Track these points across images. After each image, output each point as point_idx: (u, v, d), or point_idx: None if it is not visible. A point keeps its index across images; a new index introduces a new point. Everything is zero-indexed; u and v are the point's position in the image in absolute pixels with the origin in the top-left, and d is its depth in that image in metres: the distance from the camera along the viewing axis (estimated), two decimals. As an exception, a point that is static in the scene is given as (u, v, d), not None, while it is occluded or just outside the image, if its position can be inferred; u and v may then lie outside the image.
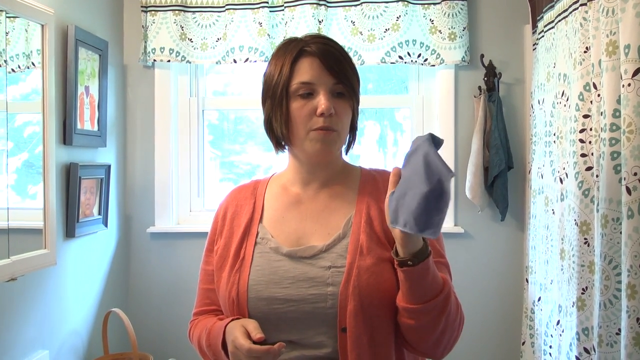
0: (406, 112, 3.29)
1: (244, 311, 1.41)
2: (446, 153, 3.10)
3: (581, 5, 2.14)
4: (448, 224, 3.11)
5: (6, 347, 2.20)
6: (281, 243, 1.46)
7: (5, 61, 2.10)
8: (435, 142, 1.26)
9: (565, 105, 2.35)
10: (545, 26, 2.64)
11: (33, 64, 2.28)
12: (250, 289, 1.41)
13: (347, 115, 1.47)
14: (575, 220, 2.16)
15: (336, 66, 1.43)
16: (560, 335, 2.35)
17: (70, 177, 2.59)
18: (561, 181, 2.36)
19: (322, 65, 1.43)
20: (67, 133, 2.56)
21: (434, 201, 1.17)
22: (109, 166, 2.94)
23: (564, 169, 2.34)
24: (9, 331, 2.22)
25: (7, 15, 2.08)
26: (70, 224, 2.60)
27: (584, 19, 2.13)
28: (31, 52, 2.27)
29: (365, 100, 3.32)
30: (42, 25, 2.28)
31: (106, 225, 2.94)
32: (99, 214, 2.88)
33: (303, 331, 1.39)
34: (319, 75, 1.43)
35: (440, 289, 1.30)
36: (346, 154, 1.58)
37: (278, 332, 1.39)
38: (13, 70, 2.17)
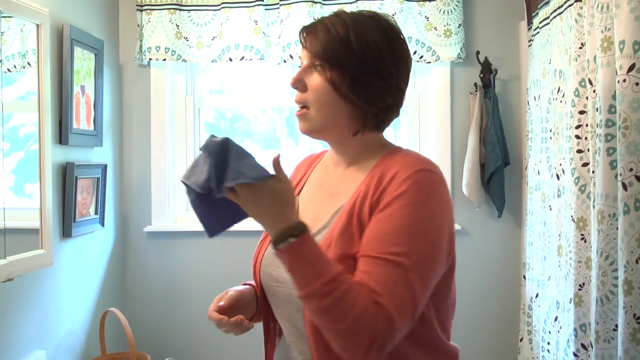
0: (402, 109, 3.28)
1: (257, 281, 1.47)
2: (443, 150, 3.11)
3: (576, 1, 2.14)
4: (445, 221, 3.10)
5: (3, 347, 2.20)
6: None
7: (0, 61, 2.09)
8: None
9: (561, 102, 2.36)
10: (540, 22, 2.64)
11: (29, 63, 2.28)
12: (263, 261, 1.44)
13: (320, 89, 1.37)
14: (571, 216, 2.16)
15: (309, 39, 1.38)
16: (558, 331, 2.35)
17: (66, 176, 2.58)
18: (558, 177, 2.36)
19: (301, 41, 1.41)
20: (63, 133, 2.55)
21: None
22: (106, 165, 2.94)
23: (560, 165, 2.34)
24: (5, 332, 2.22)
25: (2, 15, 2.07)
26: (67, 224, 2.60)
27: (579, 15, 2.13)
28: (27, 51, 2.26)
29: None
30: (38, 25, 2.28)
31: (103, 225, 2.94)
32: (96, 213, 2.87)
33: (290, 313, 1.38)
34: (301, 51, 1.41)
35: (313, 279, 1.18)
36: (378, 130, 1.45)
37: (275, 309, 1.44)
38: (9, 70, 2.17)
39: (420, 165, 1.30)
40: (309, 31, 1.39)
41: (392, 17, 1.46)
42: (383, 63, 1.35)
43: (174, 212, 3.28)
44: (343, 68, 1.34)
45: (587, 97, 2.08)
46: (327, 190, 1.46)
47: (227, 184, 1.18)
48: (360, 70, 1.34)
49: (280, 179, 1.23)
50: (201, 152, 1.23)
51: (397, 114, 1.45)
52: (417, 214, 1.24)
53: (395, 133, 3.35)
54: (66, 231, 2.60)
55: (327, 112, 1.38)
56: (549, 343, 2.49)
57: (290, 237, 1.19)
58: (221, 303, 1.39)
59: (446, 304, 1.41)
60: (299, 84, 1.40)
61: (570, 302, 2.18)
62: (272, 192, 1.22)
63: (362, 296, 1.17)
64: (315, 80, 1.37)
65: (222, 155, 1.20)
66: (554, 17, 2.44)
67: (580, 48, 2.13)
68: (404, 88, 1.41)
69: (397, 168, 1.30)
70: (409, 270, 1.20)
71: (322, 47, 1.35)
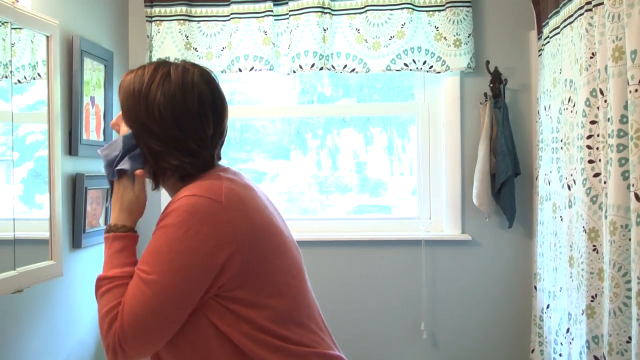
0: (412, 119, 3.29)
1: None
2: (453, 160, 3.10)
3: (587, 10, 2.14)
4: (455, 232, 3.10)
5: (13, 358, 2.20)
6: None
7: (11, 72, 2.10)
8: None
9: (571, 112, 2.34)
10: (550, 32, 2.63)
11: (39, 74, 2.28)
12: None
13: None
14: (583, 227, 2.15)
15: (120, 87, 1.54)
16: (570, 343, 2.33)
17: (76, 187, 2.59)
18: (569, 188, 2.34)
19: None
20: (72, 144, 2.56)
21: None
22: (115, 176, 2.94)
23: (571, 175, 2.32)
24: (16, 343, 2.21)
25: (13, 26, 2.08)
26: (77, 235, 2.60)
27: (590, 24, 2.12)
28: (37, 63, 2.27)
29: (371, 108, 3.34)
30: (47, 37, 2.28)
31: (112, 236, 2.93)
32: (106, 224, 2.87)
33: None
34: None
35: (103, 269, 1.43)
36: (182, 182, 1.49)
37: None
38: (19, 81, 2.18)
39: (193, 192, 1.37)
40: (122, 78, 1.52)
41: (203, 70, 1.52)
42: (165, 128, 1.44)
43: (184, 222, 3.26)
44: (131, 123, 1.48)
45: (598, 107, 2.07)
46: None
47: (108, 170, 1.52)
48: (143, 132, 1.46)
49: (133, 188, 1.50)
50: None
51: (199, 168, 1.49)
52: (165, 236, 1.35)
53: (403, 143, 3.35)
54: (76, 242, 2.60)
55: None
56: (560, 355, 2.47)
57: (110, 232, 1.47)
58: None
59: (267, 312, 1.41)
60: (116, 127, 1.54)
61: (582, 314, 2.16)
62: (122, 193, 1.50)
63: (113, 301, 1.35)
64: (124, 128, 1.50)
65: (122, 148, 1.48)
66: (564, 26, 2.43)
67: (591, 58, 2.12)
68: (195, 149, 1.47)
69: (178, 196, 1.39)
70: (149, 286, 1.32)
71: (121, 100, 1.50)
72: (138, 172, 1.48)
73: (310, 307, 1.53)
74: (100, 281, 1.40)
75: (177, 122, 1.43)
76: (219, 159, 1.56)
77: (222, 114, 1.52)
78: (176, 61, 1.52)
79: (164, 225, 1.36)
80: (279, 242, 1.47)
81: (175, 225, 1.34)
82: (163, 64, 1.49)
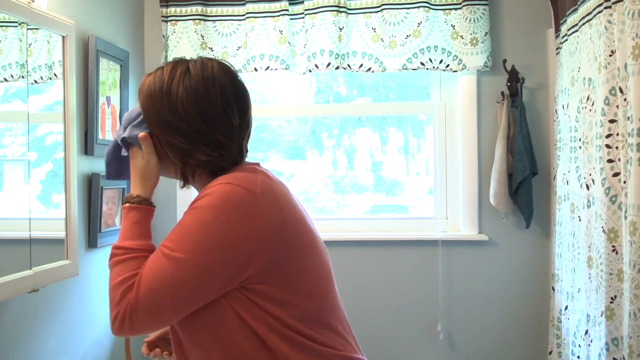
0: (429, 118, 3.27)
1: None
2: (470, 159, 3.07)
3: (606, 8, 2.11)
4: (472, 232, 3.07)
5: (29, 358, 2.21)
6: None
7: (27, 72, 2.11)
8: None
9: (590, 110, 2.31)
10: (568, 30, 2.60)
11: (55, 75, 2.29)
12: None
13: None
14: (602, 227, 2.12)
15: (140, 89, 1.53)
16: (589, 345, 2.30)
17: (92, 187, 2.59)
18: (587, 187, 2.32)
19: None
20: (88, 143, 2.56)
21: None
22: (131, 176, 2.94)
23: (590, 175, 2.29)
24: (31, 342, 2.22)
25: (29, 27, 2.09)
26: (93, 235, 2.61)
27: (609, 22, 2.09)
28: (53, 63, 2.28)
29: (387, 107, 3.33)
30: (63, 37, 2.29)
31: (128, 235, 2.94)
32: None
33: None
34: None
35: (118, 240, 1.43)
36: (213, 175, 1.45)
37: None
38: (35, 81, 2.18)
39: (229, 180, 1.36)
40: (142, 82, 1.50)
41: (222, 63, 1.51)
42: (191, 124, 1.42)
43: (199, 222, 3.26)
44: (154, 126, 1.46)
45: (617, 106, 2.04)
46: None
47: (118, 139, 1.52)
48: (168, 132, 1.44)
49: (142, 156, 1.47)
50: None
51: (230, 161, 1.48)
52: (196, 217, 1.33)
53: (418, 143, 3.33)
54: (92, 241, 2.61)
55: (166, 161, 1.51)
56: (579, 357, 2.44)
57: (127, 202, 1.46)
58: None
59: (294, 311, 1.39)
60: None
61: (601, 316, 2.13)
62: (134, 163, 1.48)
63: (129, 272, 1.35)
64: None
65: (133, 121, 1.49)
66: (583, 24, 2.40)
67: (611, 55, 2.09)
68: (224, 141, 1.45)
69: (214, 183, 1.37)
70: (171, 263, 1.31)
71: (141, 104, 1.47)
72: (140, 135, 1.46)
73: (337, 309, 1.51)
74: (116, 249, 1.41)
75: (203, 115, 1.41)
76: (247, 151, 1.54)
77: (246, 104, 1.50)
78: (193, 58, 1.52)
79: (196, 207, 1.35)
80: (309, 242, 1.46)
81: (206, 208, 1.33)
82: (180, 61, 1.49)
